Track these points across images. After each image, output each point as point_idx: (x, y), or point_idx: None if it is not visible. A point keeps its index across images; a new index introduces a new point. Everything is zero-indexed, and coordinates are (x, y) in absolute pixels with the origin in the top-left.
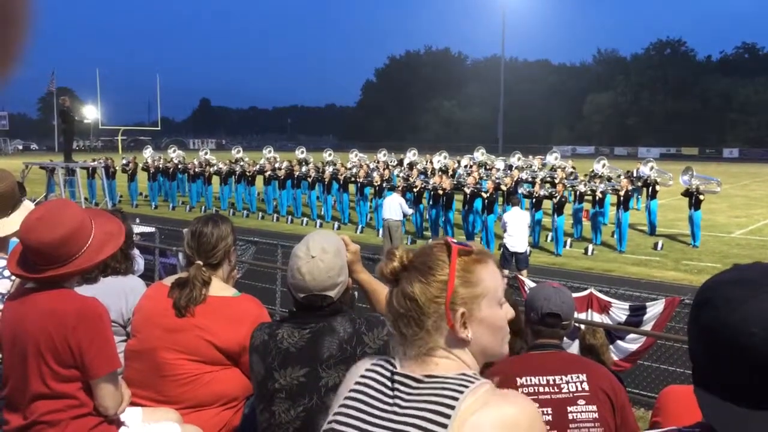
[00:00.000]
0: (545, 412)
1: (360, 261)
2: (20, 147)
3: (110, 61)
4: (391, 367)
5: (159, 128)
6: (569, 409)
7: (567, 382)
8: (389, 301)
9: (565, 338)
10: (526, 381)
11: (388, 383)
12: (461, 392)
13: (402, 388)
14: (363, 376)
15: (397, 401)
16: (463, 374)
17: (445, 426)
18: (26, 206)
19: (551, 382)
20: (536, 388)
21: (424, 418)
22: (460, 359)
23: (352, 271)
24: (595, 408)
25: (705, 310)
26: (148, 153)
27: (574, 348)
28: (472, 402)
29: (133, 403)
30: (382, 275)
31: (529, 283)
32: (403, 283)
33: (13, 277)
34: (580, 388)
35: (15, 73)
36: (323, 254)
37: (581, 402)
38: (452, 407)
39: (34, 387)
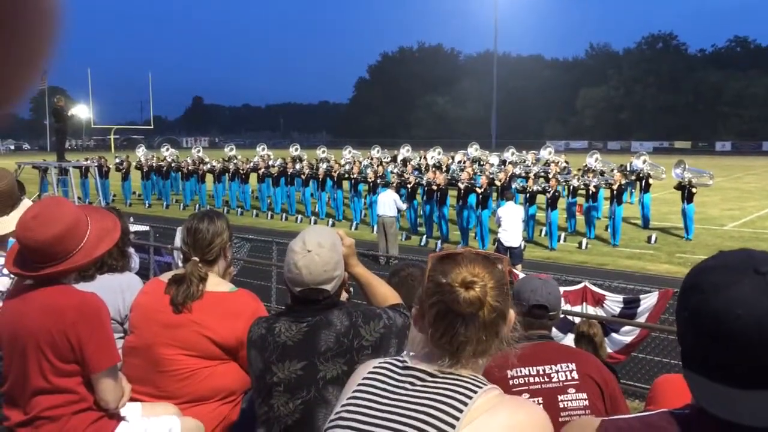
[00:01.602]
0: (536, 402)
1: (355, 255)
2: (12, 147)
3: (102, 60)
4: (401, 363)
5: (152, 127)
6: (560, 398)
7: (557, 372)
8: (455, 328)
9: (559, 332)
10: (517, 372)
11: (400, 377)
12: (475, 391)
13: (415, 381)
14: (372, 372)
15: (410, 392)
16: (476, 376)
17: (457, 418)
18: (25, 205)
19: (541, 372)
20: (527, 378)
21: (436, 408)
22: (486, 361)
23: (348, 265)
24: (585, 396)
25: (692, 295)
26: (141, 152)
27: (568, 340)
28: (484, 402)
29: (132, 399)
30: (470, 304)
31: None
32: (490, 302)
33: (12, 275)
34: (569, 377)
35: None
36: (319, 248)
37: (571, 390)
38: (465, 403)
39: (35, 382)
